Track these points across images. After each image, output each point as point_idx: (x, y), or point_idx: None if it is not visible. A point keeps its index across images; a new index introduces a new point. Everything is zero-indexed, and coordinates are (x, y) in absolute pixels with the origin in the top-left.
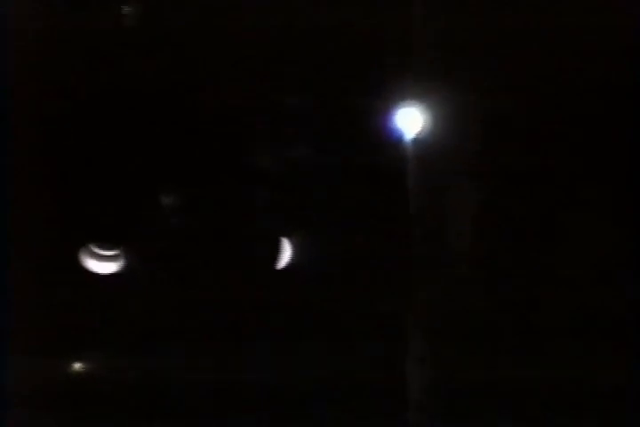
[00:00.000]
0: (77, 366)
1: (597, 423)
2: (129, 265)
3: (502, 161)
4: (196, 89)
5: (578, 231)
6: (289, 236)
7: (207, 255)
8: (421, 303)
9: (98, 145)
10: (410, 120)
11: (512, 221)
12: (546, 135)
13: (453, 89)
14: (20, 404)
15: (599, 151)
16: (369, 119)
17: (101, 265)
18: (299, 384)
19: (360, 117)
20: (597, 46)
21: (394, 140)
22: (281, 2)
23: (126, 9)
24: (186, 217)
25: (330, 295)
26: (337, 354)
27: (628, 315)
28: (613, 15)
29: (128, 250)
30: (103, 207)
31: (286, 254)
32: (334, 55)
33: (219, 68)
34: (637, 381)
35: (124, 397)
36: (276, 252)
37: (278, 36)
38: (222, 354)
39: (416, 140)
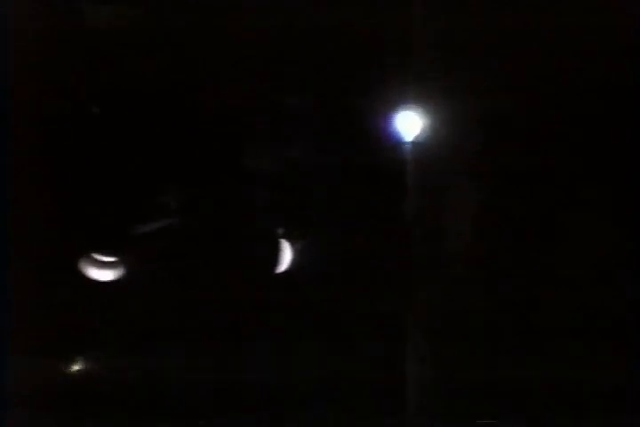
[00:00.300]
0: (77, 366)
1: (597, 423)
2: (129, 266)
3: (502, 161)
4: (196, 89)
5: (578, 231)
6: (289, 236)
7: (207, 255)
8: (421, 303)
9: (98, 145)
10: (409, 121)
11: (512, 221)
12: (546, 135)
13: (453, 90)
14: (20, 404)
15: (599, 151)
16: (368, 120)
17: (102, 273)
18: (299, 384)
19: (359, 118)
20: (597, 46)
21: (393, 142)
22: (281, 2)
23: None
24: (185, 217)
25: (330, 295)
26: (337, 354)
27: (628, 315)
28: (613, 15)
29: (128, 250)
30: (103, 207)
31: (287, 257)
32: (334, 55)
33: (219, 68)
34: (637, 381)
35: (124, 397)
36: (276, 253)
37: (278, 36)
38: (222, 354)
39: (415, 142)
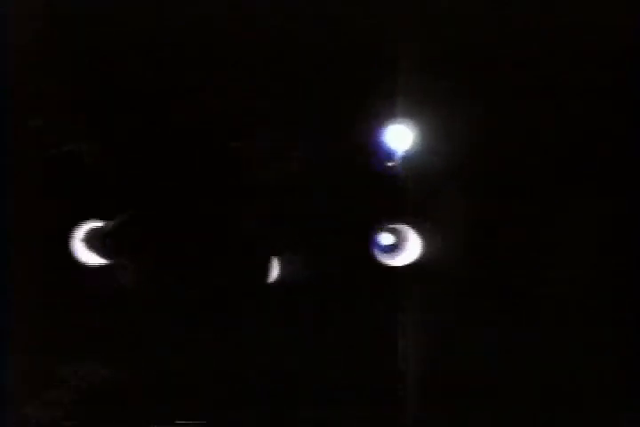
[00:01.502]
0: (78, 366)
1: (597, 422)
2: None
3: (493, 171)
4: (195, 89)
5: (577, 231)
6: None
7: (204, 257)
8: (421, 303)
9: (97, 145)
10: (400, 136)
11: (511, 222)
12: (545, 136)
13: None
14: (19, 403)
15: (599, 151)
16: (361, 134)
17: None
18: (298, 384)
19: (354, 134)
20: (597, 46)
21: (385, 154)
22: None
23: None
24: (182, 219)
25: (330, 296)
26: (337, 354)
27: (628, 315)
28: (613, 15)
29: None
30: (103, 207)
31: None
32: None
33: (218, 68)
34: (637, 381)
35: (124, 396)
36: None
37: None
38: (223, 354)
39: (407, 154)
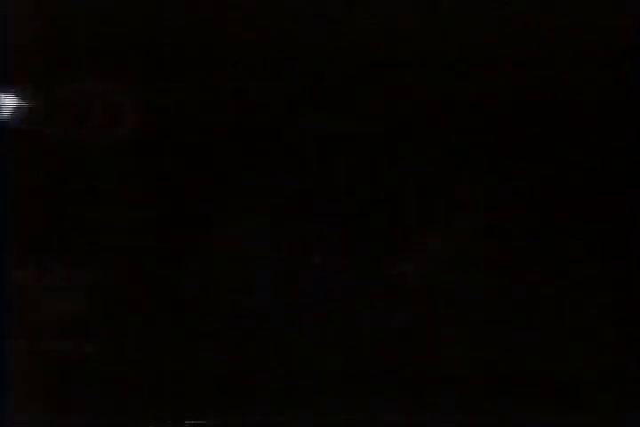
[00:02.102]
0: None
1: (597, 422)
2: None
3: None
4: (196, 89)
5: (577, 231)
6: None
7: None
8: (421, 302)
9: (98, 146)
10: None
11: (513, 222)
12: (543, 136)
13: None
14: (19, 403)
15: (599, 153)
16: None
17: None
18: (298, 384)
19: None
20: (597, 46)
21: None
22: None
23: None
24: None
25: (329, 295)
26: (339, 354)
27: (628, 315)
28: (613, 15)
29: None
30: (103, 207)
31: None
32: None
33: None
34: (638, 381)
35: (124, 396)
36: None
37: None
38: (223, 349)
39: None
